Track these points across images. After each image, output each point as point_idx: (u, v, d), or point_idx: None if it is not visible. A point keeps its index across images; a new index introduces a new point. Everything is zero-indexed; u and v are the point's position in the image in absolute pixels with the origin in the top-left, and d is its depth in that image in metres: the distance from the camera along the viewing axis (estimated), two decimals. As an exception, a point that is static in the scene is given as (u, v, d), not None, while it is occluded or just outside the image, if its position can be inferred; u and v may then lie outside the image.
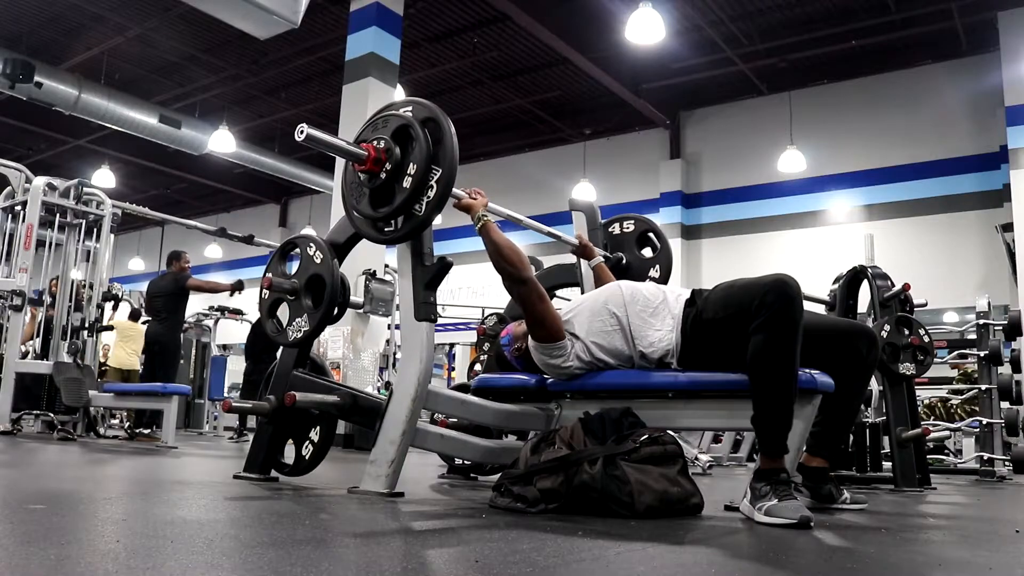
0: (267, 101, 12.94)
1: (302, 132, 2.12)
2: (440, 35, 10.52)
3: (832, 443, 2.59)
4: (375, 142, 2.27)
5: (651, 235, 3.63)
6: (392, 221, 2.28)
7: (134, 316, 9.01)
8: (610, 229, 3.66)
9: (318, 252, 2.67)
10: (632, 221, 3.66)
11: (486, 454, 2.69)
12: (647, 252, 3.63)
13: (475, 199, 2.56)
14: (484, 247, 2.49)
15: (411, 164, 2.20)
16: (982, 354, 5.42)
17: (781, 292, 2.05)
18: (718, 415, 2.37)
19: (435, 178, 2.19)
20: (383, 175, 2.24)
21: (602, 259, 3.22)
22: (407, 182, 2.20)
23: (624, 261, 3.55)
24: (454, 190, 2.36)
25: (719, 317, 2.22)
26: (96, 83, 11.22)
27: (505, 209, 3.02)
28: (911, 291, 4.46)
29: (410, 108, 2.30)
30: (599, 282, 3.07)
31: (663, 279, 3.51)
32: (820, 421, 2.48)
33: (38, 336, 6.13)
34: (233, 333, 13.82)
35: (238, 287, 7.07)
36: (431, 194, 2.19)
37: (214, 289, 7.35)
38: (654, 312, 2.36)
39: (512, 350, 2.70)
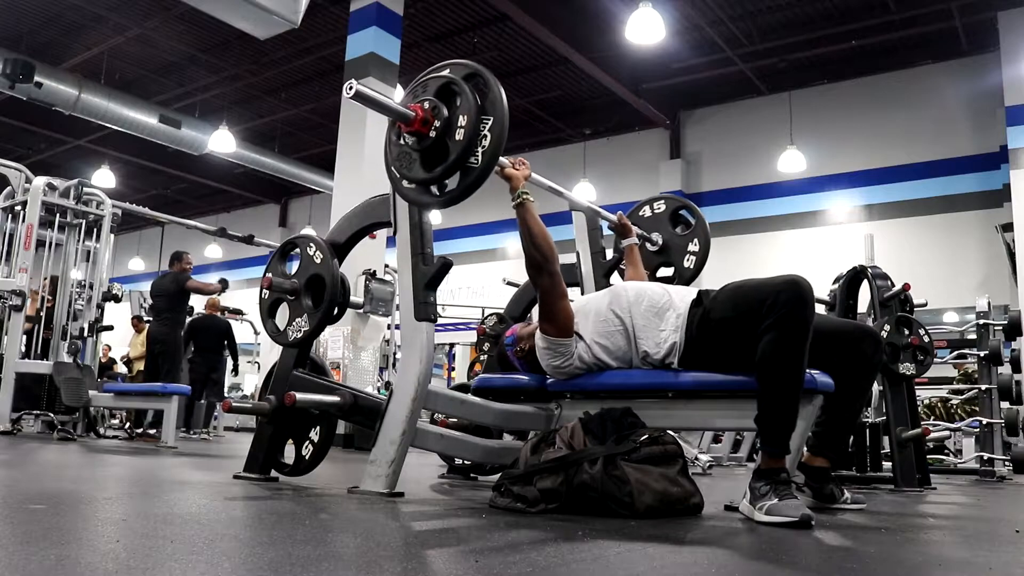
0: (267, 101, 12.94)
1: (351, 88, 2.07)
2: (440, 35, 10.52)
3: (834, 443, 2.59)
4: (420, 103, 2.19)
5: (683, 212, 3.62)
6: (448, 180, 2.20)
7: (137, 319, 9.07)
8: (641, 212, 3.64)
9: (318, 252, 2.67)
10: (663, 201, 3.65)
11: (486, 454, 2.69)
12: (680, 230, 3.59)
13: (518, 170, 2.48)
14: (517, 226, 2.41)
15: (461, 117, 2.13)
16: (982, 354, 5.41)
17: (794, 293, 2.05)
18: (718, 415, 2.37)
19: (487, 127, 2.11)
20: (433, 133, 2.15)
21: (637, 241, 3.20)
22: (459, 134, 2.12)
23: (659, 245, 3.53)
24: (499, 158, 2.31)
25: (728, 317, 2.21)
26: (96, 83, 11.23)
27: (546, 180, 2.99)
28: (911, 291, 4.46)
29: (448, 69, 2.24)
30: (630, 262, 3.10)
31: (702, 252, 3.49)
32: (823, 421, 2.48)
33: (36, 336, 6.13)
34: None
35: (223, 286, 7.15)
36: (486, 143, 2.11)
37: (208, 291, 7.40)
38: (658, 312, 2.35)
39: (515, 351, 2.69)
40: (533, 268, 2.42)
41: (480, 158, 2.11)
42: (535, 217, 2.41)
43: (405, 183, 2.28)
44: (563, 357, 2.43)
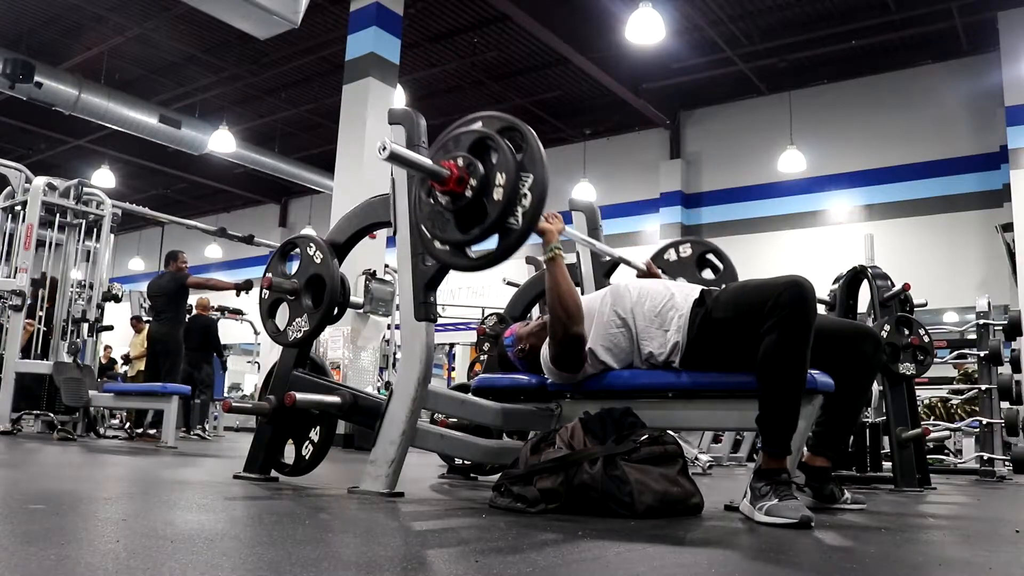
0: (267, 101, 12.94)
1: (384, 149, 1.99)
2: (440, 35, 10.52)
3: (835, 443, 2.59)
4: (454, 160, 2.08)
5: (710, 256, 3.49)
6: (484, 241, 2.09)
7: (136, 319, 9.08)
8: (666, 256, 3.52)
9: (318, 252, 2.67)
10: (688, 244, 3.54)
11: (486, 454, 2.69)
12: (708, 274, 3.48)
13: (551, 224, 2.40)
14: (545, 281, 2.37)
15: (499, 174, 2.01)
16: (982, 354, 5.42)
17: (796, 293, 2.05)
18: (719, 415, 2.36)
19: (527, 185, 2.00)
20: (469, 193, 2.04)
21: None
22: (498, 194, 2.00)
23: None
24: None
25: (729, 317, 2.20)
26: (96, 83, 11.23)
27: (579, 233, 2.93)
28: (911, 291, 4.46)
29: (480, 122, 2.15)
30: None
31: None
32: (823, 421, 2.48)
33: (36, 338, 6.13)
34: (233, 333, 13.83)
35: (246, 287, 6.82)
36: (526, 203, 2.00)
37: (217, 287, 7.34)
38: (660, 312, 2.34)
39: (515, 351, 2.68)
40: (557, 323, 2.37)
41: (520, 219, 2.01)
42: (565, 274, 2.37)
43: (438, 244, 2.17)
44: (572, 378, 2.45)
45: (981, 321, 5.52)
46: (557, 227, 2.44)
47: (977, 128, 10.26)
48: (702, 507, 2.08)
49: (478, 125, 2.13)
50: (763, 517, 1.94)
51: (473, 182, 2.04)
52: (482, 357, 5.33)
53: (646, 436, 2.05)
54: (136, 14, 10.32)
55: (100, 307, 6.19)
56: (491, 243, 2.09)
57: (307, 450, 2.66)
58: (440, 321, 2.68)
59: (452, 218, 2.10)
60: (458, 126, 2.17)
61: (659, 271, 3.19)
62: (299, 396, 2.38)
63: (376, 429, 2.33)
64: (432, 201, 2.13)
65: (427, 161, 2.08)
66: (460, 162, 2.07)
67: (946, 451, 7.61)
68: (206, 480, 2.88)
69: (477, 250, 2.16)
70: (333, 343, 7.80)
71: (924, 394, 7.17)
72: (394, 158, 2.02)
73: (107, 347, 11.85)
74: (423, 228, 2.21)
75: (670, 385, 2.33)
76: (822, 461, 2.56)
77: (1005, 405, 5.48)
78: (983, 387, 5.39)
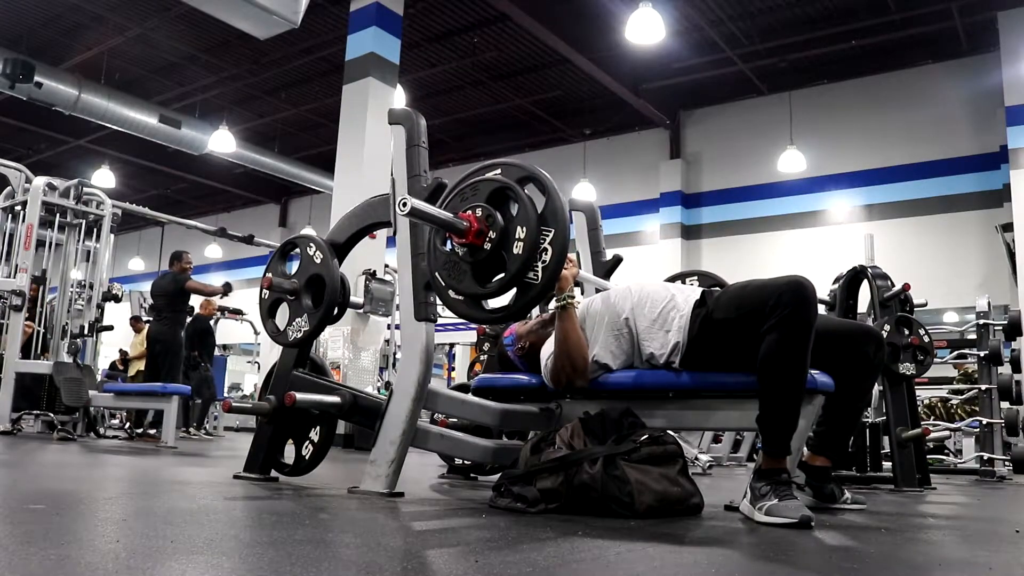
0: (267, 101, 12.94)
1: (405, 205, 1.95)
2: (440, 35, 10.52)
3: (836, 443, 2.59)
4: (473, 211, 2.04)
5: (716, 290, 3.48)
6: (502, 295, 2.05)
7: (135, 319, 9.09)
8: None
9: (318, 252, 2.67)
10: (696, 278, 3.48)
11: (486, 454, 2.69)
12: None
13: (566, 269, 2.33)
14: (555, 328, 2.35)
15: (519, 228, 1.98)
16: (982, 354, 5.42)
17: (797, 293, 2.05)
18: (719, 415, 2.36)
19: (548, 240, 1.96)
20: (487, 245, 2.01)
21: None
22: (518, 247, 1.97)
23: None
24: None
25: (730, 317, 2.20)
26: (96, 83, 11.23)
27: (592, 276, 2.93)
28: (911, 291, 4.46)
29: (499, 170, 2.10)
30: None
31: None
32: (825, 421, 2.48)
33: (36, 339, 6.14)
34: (233, 333, 13.85)
35: (227, 289, 7.19)
36: (546, 258, 1.96)
37: (208, 292, 7.42)
38: (661, 313, 2.33)
39: (515, 349, 2.68)
40: (562, 373, 2.36)
41: (541, 274, 1.97)
42: (576, 326, 2.34)
43: (452, 294, 2.13)
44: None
45: (981, 321, 5.52)
46: (572, 272, 2.40)
47: (977, 128, 10.26)
48: (702, 507, 2.08)
49: (497, 173, 2.08)
50: (763, 517, 1.94)
51: (492, 234, 2.00)
52: (482, 357, 5.34)
53: (646, 436, 2.05)
54: (136, 14, 10.32)
55: (100, 307, 6.19)
56: (509, 295, 2.06)
57: (307, 450, 2.66)
58: (440, 321, 2.65)
59: (469, 269, 2.07)
60: (476, 173, 2.14)
61: None
62: (299, 396, 2.38)
63: (376, 429, 2.33)
64: (448, 250, 2.11)
65: (447, 215, 2.05)
66: (479, 213, 2.03)
67: (946, 451, 7.62)
68: (206, 480, 2.88)
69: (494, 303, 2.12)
70: (333, 343, 7.80)
71: (924, 394, 7.17)
72: (415, 214, 1.98)
73: (122, 351, 11.75)
74: (437, 276, 2.17)
75: (670, 385, 2.32)
76: (822, 460, 2.56)
77: (1005, 405, 5.49)
78: (983, 387, 5.39)
